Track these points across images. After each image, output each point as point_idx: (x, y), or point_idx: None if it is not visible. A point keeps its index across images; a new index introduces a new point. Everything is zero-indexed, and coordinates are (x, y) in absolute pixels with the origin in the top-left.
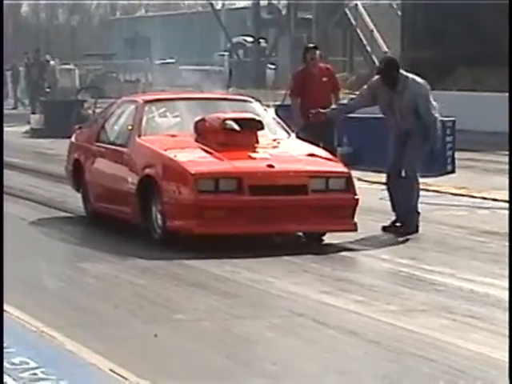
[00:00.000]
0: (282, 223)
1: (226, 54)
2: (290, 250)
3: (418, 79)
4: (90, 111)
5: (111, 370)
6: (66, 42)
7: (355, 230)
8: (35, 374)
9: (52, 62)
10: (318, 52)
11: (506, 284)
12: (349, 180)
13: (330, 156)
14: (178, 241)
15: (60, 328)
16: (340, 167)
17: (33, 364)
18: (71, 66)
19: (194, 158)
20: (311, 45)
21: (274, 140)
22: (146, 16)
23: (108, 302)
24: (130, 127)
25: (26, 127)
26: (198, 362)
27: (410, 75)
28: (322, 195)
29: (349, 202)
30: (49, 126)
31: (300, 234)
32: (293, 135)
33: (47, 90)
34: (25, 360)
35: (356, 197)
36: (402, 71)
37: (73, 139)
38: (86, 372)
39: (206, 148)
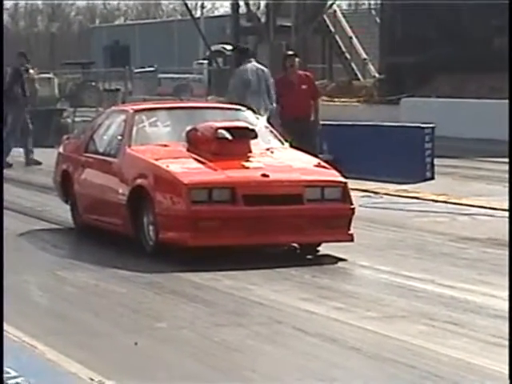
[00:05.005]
0: (277, 234)
1: (205, 62)
2: (270, 258)
3: (242, 67)
4: (70, 120)
5: (91, 379)
6: (45, 50)
7: (352, 240)
8: (17, 383)
9: (31, 71)
10: (297, 59)
11: (486, 290)
12: (345, 189)
13: (325, 165)
14: (169, 253)
15: (40, 337)
16: (336, 176)
17: (13, 373)
18: (50, 75)
19: (187, 168)
20: (290, 52)
21: (268, 149)
22: (125, 24)
23: (88, 311)
24: (120, 137)
25: None
26: (178, 370)
27: (254, 63)
28: (318, 205)
29: (345, 211)
30: None
31: (295, 245)
32: (286, 144)
33: None
34: (5, 369)
35: (352, 206)
36: (252, 59)
37: (61, 150)
38: (66, 381)
39: (198, 158)
